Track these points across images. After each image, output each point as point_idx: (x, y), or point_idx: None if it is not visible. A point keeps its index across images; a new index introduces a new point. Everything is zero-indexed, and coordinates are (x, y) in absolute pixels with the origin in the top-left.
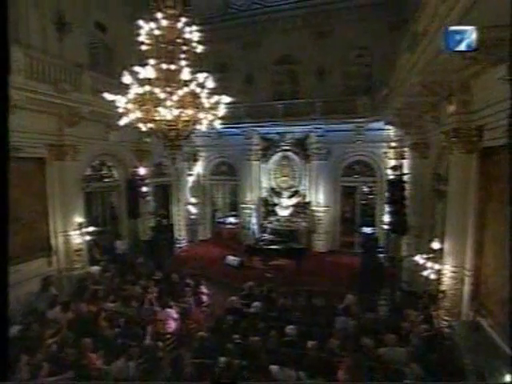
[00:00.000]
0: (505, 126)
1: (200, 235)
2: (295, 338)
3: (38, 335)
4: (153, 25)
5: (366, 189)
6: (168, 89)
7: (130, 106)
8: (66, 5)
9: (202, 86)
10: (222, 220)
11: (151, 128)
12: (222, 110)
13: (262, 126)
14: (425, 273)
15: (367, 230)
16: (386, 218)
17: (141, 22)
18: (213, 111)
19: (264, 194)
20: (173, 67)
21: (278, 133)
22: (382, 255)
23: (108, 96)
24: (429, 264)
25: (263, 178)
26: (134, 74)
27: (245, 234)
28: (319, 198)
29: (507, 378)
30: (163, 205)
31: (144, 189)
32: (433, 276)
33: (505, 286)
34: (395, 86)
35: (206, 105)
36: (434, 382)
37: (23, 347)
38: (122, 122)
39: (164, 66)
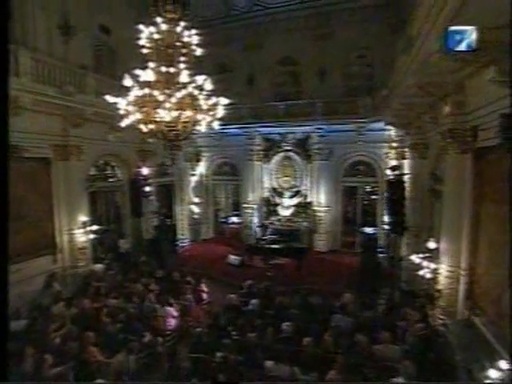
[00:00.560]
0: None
1: (203, 234)
2: (291, 335)
3: (42, 329)
4: (152, 29)
5: (367, 189)
6: (167, 91)
7: (130, 107)
8: (72, 8)
9: (200, 88)
10: (224, 220)
11: (151, 129)
12: (220, 112)
13: (264, 126)
14: (421, 272)
15: (368, 230)
16: (386, 218)
17: (141, 27)
18: (211, 112)
19: (266, 194)
20: (172, 70)
21: (279, 133)
22: (381, 255)
23: (109, 98)
24: (424, 263)
25: (265, 178)
26: (134, 77)
27: (247, 233)
28: (320, 198)
29: (491, 372)
30: (166, 204)
31: (147, 188)
32: (428, 275)
33: (497, 284)
34: (394, 86)
35: (204, 106)
36: (427, 380)
37: (28, 340)
38: (124, 123)
39: (163, 68)
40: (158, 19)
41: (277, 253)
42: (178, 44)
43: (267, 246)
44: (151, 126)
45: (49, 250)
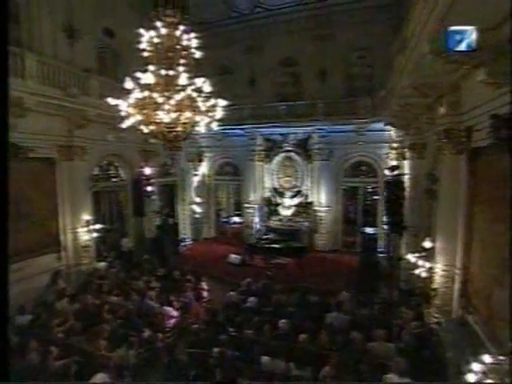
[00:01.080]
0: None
1: (204, 234)
2: (288, 332)
3: (46, 324)
4: (153, 33)
5: (367, 189)
6: (166, 93)
7: (131, 109)
8: (77, 11)
9: (199, 90)
10: (226, 219)
11: (152, 130)
12: (219, 113)
13: (265, 127)
14: (416, 271)
15: (369, 230)
16: (385, 218)
17: (141, 31)
18: (210, 114)
19: (267, 193)
20: (171, 73)
21: (280, 134)
22: (381, 255)
23: (111, 100)
24: (420, 262)
25: (266, 178)
26: (135, 80)
27: (248, 233)
28: (321, 198)
29: (474, 365)
30: (168, 204)
31: (149, 188)
32: (424, 274)
33: (488, 283)
34: (391, 87)
35: (203, 108)
36: (420, 377)
37: (33, 334)
38: (125, 124)
39: (163, 71)
40: (158, 23)
41: (277, 252)
42: (177, 47)
43: (268, 245)
44: (151, 127)
45: (53, 248)
